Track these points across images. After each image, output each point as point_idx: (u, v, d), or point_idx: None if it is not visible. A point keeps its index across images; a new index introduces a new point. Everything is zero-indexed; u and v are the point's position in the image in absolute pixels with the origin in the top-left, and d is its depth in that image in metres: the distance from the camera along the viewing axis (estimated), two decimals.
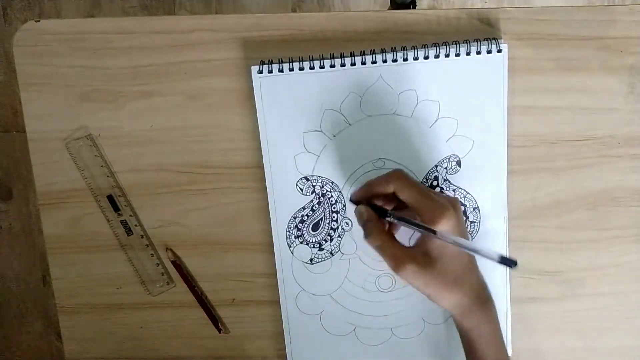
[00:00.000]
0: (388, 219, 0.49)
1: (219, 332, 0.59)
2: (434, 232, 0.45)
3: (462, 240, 0.44)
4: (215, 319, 0.58)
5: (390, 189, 0.48)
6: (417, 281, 0.47)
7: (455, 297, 0.47)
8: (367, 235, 0.48)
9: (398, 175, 0.49)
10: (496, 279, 0.57)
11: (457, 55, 0.52)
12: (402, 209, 0.51)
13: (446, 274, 0.46)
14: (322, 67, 0.53)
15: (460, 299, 0.47)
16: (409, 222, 0.47)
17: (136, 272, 0.58)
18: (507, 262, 0.43)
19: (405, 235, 0.55)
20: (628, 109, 0.55)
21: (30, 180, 1.30)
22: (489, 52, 0.52)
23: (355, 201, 0.52)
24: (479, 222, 0.56)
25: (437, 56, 0.52)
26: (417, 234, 0.51)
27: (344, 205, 0.56)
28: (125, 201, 0.57)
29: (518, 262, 0.42)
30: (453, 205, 0.47)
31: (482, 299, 0.49)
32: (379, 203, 0.51)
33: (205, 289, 0.59)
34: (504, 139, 0.54)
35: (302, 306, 0.58)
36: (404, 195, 0.47)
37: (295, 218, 0.56)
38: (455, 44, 0.52)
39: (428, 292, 0.47)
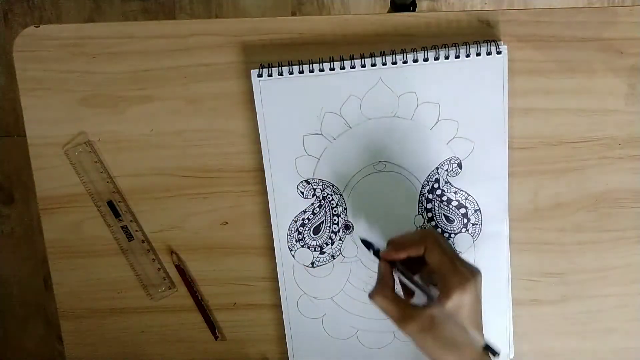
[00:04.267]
0: (394, 274, 0.49)
1: (215, 339, 0.58)
2: (432, 298, 0.46)
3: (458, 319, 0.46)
4: (212, 325, 0.58)
5: (421, 250, 0.48)
6: (417, 340, 0.47)
7: None
8: (369, 296, 0.48)
9: (431, 235, 0.49)
10: (498, 281, 0.56)
11: (457, 57, 0.52)
12: (422, 264, 0.50)
13: (446, 339, 0.46)
14: (322, 70, 0.53)
15: None
16: (412, 281, 0.48)
17: (137, 277, 0.58)
18: (491, 350, 0.45)
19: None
20: (628, 110, 0.55)
21: (31, 184, 1.30)
22: (488, 53, 0.52)
23: (377, 253, 0.51)
24: (481, 224, 0.56)
25: (437, 58, 0.52)
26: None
27: (345, 209, 0.56)
28: (126, 207, 0.57)
29: (500, 352, 0.45)
30: (474, 278, 0.47)
31: None
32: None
33: (206, 293, 0.59)
34: (504, 140, 0.54)
35: (304, 310, 0.57)
36: (432, 258, 0.47)
37: (296, 221, 0.56)
38: (455, 46, 0.52)
39: (423, 351, 0.47)
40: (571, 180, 0.56)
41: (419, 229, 0.56)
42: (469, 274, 0.47)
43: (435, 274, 0.47)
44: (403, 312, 0.47)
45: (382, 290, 0.48)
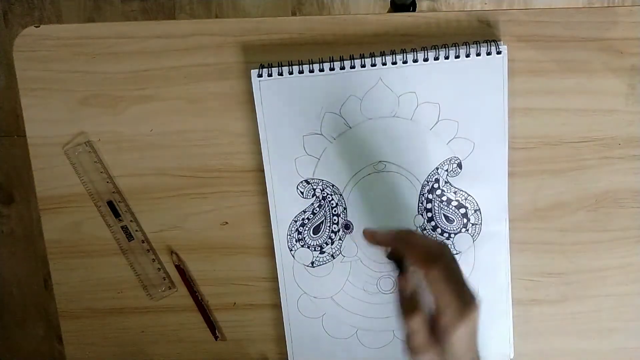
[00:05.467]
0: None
1: (215, 339, 0.58)
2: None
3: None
4: (212, 325, 0.58)
5: (424, 264, 0.43)
6: None
7: None
8: (405, 315, 0.44)
9: (445, 252, 0.44)
10: (498, 281, 0.57)
11: (457, 57, 0.52)
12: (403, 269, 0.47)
13: (453, 354, 0.44)
14: (322, 70, 0.53)
15: None
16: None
17: (137, 276, 0.58)
18: None
19: None
20: (628, 110, 0.55)
21: (31, 184, 1.29)
22: (488, 54, 0.52)
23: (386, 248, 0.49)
24: (480, 224, 0.56)
25: (436, 58, 0.52)
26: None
27: (345, 209, 0.56)
28: (126, 207, 0.57)
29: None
30: (474, 310, 0.43)
31: None
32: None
33: (206, 293, 0.59)
34: (504, 140, 0.54)
35: (304, 309, 0.57)
36: (437, 287, 0.42)
37: (296, 221, 0.56)
38: (455, 46, 0.52)
39: None
40: (571, 180, 0.56)
41: (420, 230, 0.56)
42: (468, 307, 0.43)
43: (436, 304, 0.43)
44: (424, 340, 0.43)
45: (417, 313, 0.43)
